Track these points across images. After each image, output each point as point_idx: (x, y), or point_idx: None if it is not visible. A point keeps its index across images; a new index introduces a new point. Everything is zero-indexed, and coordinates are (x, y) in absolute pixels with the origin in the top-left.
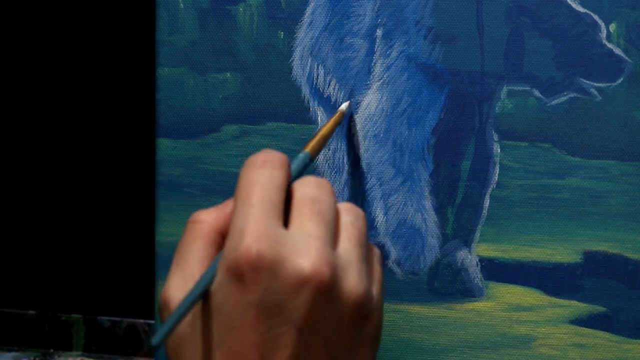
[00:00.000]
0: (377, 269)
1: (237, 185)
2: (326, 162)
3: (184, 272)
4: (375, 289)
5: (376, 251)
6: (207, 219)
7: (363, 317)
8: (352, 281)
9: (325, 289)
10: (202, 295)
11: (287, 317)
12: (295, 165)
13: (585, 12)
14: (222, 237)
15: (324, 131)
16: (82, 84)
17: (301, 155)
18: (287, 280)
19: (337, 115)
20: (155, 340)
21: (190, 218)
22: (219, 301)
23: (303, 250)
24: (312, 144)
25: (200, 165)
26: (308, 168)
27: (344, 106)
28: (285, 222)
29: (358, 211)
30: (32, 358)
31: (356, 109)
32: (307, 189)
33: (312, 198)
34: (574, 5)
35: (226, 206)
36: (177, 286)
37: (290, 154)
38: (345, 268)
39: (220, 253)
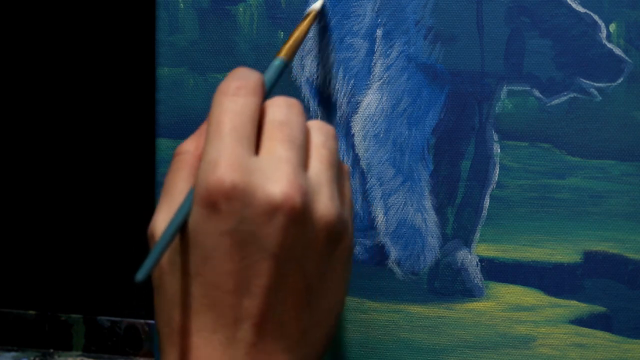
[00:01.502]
0: (348, 187)
1: (210, 113)
2: None
3: (169, 204)
4: (346, 211)
5: (346, 168)
6: (190, 148)
7: (336, 239)
8: (324, 204)
9: (298, 214)
10: (180, 228)
11: (261, 244)
12: (270, 74)
13: (585, 12)
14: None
15: (297, 34)
16: (82, 84)
17: (276, 63)
18: (259, 208)
19: (310, 15)
20: (139, 275)
21: (174, 151)
22: (194, 232)
23: (274, 177)
24: (286, 48)
25: None
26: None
27: (317, 4)
28: (257, 145)
29: (329, 129)
30: (32, 358)
31: (356, 109)
32: (277, 111)
33: (282, 120)
34: (574, 5)
35: (203, 132)
36: (163, 218)
37: None
38: (316, 192)
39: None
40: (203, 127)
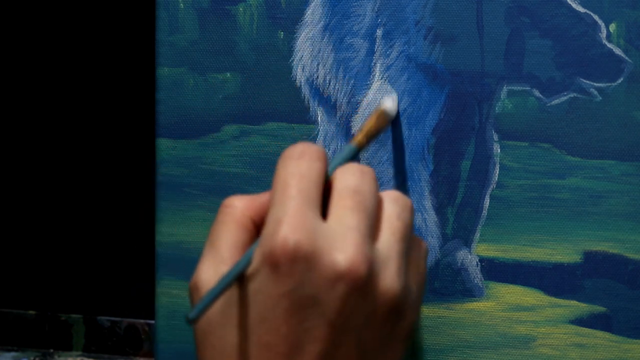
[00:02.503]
0: (421, 264)
1: (275, 176)
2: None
3: (214, 255)
4: (414, 286)
5: (423, 245)
6: (239, 204)
7: (397, 314)
8: (389, 278)
9: (361, 285)
10: (237, 279)
11: (320, 310)
12: (339, 159)
13: (585, 12)
14: (253, 223)
15: (368, 126)
16: (82, 84)
17: (346, 149)
18: (323, 274)
19: (378, 112)
20: (192, 314)
21: (222, 202)
22: (253, 289)
23: (340, 244)
24: (359, 137)
25: (200, 165)
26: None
27: (387, 105)
28: (325, 212)
29: (406, 201)
30: (32, 358)
31: (356, 109)
32: (349, 178)
33: (353, 188)
34: (574, 5)
35: (260, 196)
36: (208, 269)
37: None
38: (383, 264)
39: (258, 239)
40: (263, 193)
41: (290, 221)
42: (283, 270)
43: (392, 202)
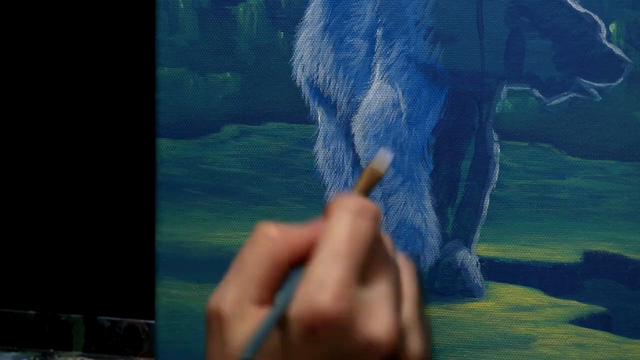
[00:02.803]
0: (429, 327)
1: (330, 224)
2: (326, 162)
3: (241, 286)
4: (429, 349)
5: (426, 310)
6: (275, 235)
7: None
8: (417, 345)
9: (391, 353)
10: (278, 321)
11: None
12: None
13: (585, 12)
14: (287, 259)
15: (361, 185)
16: (82, 84)
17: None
18: (357, 342)
19: (373, 174)
20: (246, 354)
21: (259, 227)
22: (287, 346)
23: (377, 314)
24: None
25: (200, 165)
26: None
27: (378, 163)
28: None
29: (413, 268)
30: (32, 358)
31: (356, 109)
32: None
33: (387, 255)
34: (574, 5)
35: (299, 229)
36: (232, 300)
37: (291, 154)
38: (409, 332)
39: (290, 290)
40: (303, 231)
41: (335, 289)
42: (320, 336)
43: (405, 269)
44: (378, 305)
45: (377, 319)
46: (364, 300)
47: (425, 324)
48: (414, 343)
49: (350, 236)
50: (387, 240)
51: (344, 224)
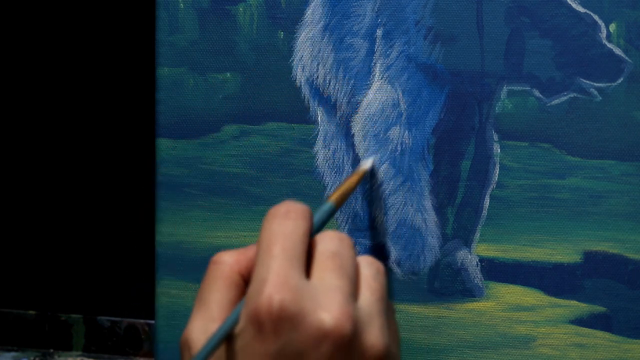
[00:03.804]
0: (394, 324)
1: (260, 235)
2: (326, 162)
3: (204, 313)
4: (394, 344)
5: (393, 307)
6: (228, 260)
7: None
8: (374, 335)
9: (346, 343)
10: (225, 338)
11: None
12: (319, 215)
13: (585, 12)
14: (243, 278)
15: (347, 184)
16: (82, 84)
17: (325, 206)
18: (308, 333)
19: (360, 171)
20: (198, 358)
21: (212, 259)
22: (239, 348)
23: (325, 303)
24: (337, 195)
25: (200, 165)
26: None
27: (367, 164)
28: (306, 274)
29: (379, 265)
30: (32, 358)
31: (356, 108)
32: (329, 243)
33: (334, 252)
34: (574, 5)
35: (248, 249)
36: (198, 327)
37: (291, 154)
38: (366, 322)
39: (244, 298)
40: (250, 246)
41: (275, 280)
42: (268, 329)
43: (368, 265)
44: (327, 296)
45: (325, 307)
46: (310, 292)
47: (391, 319)
48: (373, 335)
49: (278, 235)
50: (338, 236)
51: (271, 227)
